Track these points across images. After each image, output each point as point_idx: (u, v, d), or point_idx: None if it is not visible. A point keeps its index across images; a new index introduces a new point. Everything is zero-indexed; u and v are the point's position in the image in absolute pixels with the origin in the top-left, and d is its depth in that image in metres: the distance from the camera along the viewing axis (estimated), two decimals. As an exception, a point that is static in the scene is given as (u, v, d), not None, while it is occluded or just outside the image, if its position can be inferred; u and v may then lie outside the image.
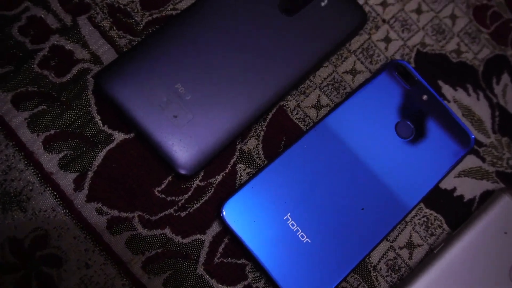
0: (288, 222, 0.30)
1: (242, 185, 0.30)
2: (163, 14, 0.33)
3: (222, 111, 0.30)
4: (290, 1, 0.33)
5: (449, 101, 0.36)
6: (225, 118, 0.30)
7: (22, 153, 0.29)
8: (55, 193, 0.29)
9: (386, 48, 0.36)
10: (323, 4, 0.34)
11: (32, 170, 0.29)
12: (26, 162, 0.29)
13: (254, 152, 0.32)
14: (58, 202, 0.29)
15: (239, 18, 0.32)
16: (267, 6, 0.33)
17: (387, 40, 0.36)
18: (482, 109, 0.37)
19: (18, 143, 0.29)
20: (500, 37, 0.39)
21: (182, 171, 0.29)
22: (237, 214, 0.29)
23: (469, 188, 0.35)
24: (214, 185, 0.31)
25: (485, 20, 0.39)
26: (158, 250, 0.29)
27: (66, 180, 0.29)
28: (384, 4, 0.37)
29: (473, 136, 0.33)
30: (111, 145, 0.30)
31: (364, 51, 0.36)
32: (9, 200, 0.28)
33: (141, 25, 0.32)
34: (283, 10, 0.33)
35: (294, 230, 0.30)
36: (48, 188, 0.29)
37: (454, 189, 0.34)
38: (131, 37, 0.32)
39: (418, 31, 0.37)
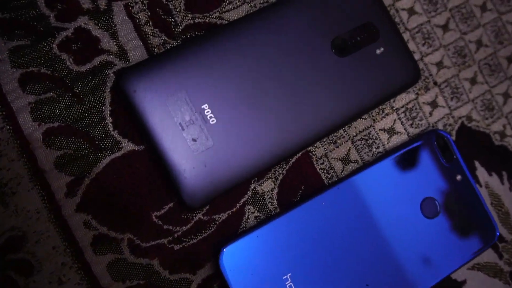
0: (286, 283, 0.27)
1: (247, 231, 0.27)
2: (207, 20, 0.30)
3: (245, 145, 0.27)
4: (344, 41, 0.30)
5: (480, 185, 0.34)
6: (247, 153, 0.27)
7: (18, 141, 0.26)
8: (43, 193, 0.26)
9: (431, 114, 0.33)
10: (378, 51, 0.31)
11: (24, 162, 0.25)
12: (19, 152, 0.25)
13: (267, 195, 0.29)
14: (45, 205, 0.25)
15: (288, 49, 0.29)
16: (321, 42, 0.30)
17: (433, 105, 0.34)
18: (512, 202, 0.34)
19: (16, 129, 0.26)
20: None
21: (188, 201, 0.26)
22: (235, 262, 0.27)
23: (479, 284, 0.32)
24: (217, 223, 0.28)
25: (536, 107, 0.36)
26: (141, 281, 0.26)
27: (59, 182, 0.26)
28: (440, 65, 0.34)
29: (498, 233, 0.31)
30: (117, 154, 0.27)
31: (407, 112, 0.33)
32: (-9, 189, 0.25)
33: (180, 27, 0.29)
34: (335, 49, 0.30)
35: (291, 293, 0.27)
36: (37, 186, 0.25)
37: (465, 281, 0.32)
38: (166, 38, 0.29)
39: (467, 103, 0.34)
